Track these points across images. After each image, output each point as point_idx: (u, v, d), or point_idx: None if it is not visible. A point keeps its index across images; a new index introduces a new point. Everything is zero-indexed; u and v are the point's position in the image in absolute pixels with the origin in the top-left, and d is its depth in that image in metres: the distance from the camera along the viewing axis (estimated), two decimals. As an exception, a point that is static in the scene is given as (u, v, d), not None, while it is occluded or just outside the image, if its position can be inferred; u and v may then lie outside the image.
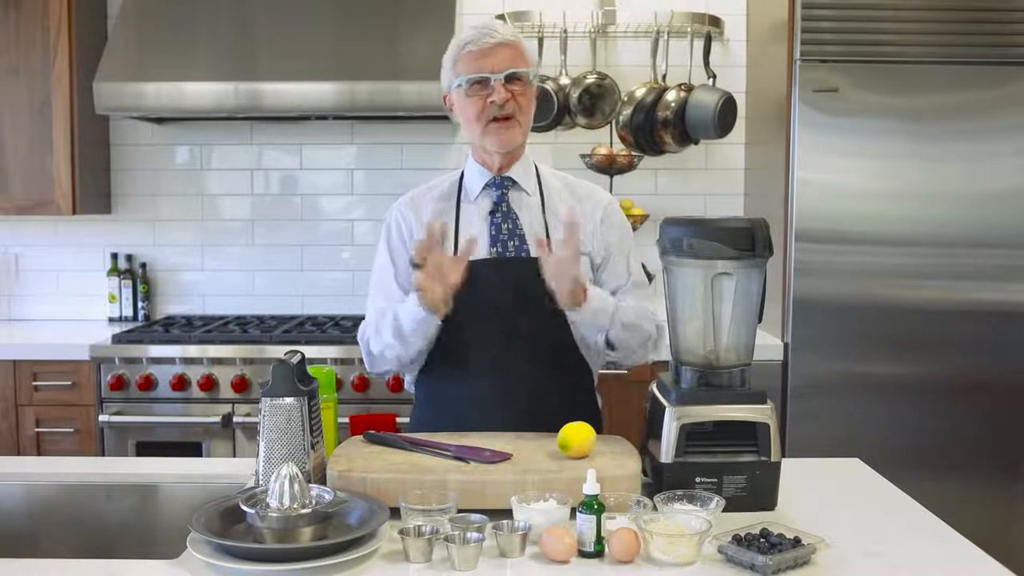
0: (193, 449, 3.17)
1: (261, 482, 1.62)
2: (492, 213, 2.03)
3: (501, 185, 2.05)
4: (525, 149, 2.09)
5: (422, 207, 2.07)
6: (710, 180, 3.81)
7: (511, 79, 1.95)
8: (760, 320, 1.80)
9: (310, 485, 1.54)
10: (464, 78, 1.97)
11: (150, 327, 3.48)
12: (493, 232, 2.01)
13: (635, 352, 2.04)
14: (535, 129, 3.50)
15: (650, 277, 3.33)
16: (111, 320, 3.77)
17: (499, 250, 2.00)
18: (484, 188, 2.05)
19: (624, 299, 2.05)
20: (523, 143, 2.06)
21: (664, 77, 3.60)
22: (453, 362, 2.00)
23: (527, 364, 1.96)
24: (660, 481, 1.70)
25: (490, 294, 1.96)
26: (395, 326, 1.95)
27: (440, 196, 2.08)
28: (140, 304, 3.79)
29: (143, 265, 3.83)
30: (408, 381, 2.15)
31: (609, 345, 2.02)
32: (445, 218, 2.04)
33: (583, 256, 2.02)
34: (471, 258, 1.97)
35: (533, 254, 1.99)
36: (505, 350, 1.96)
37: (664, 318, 1.90)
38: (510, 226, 2.02)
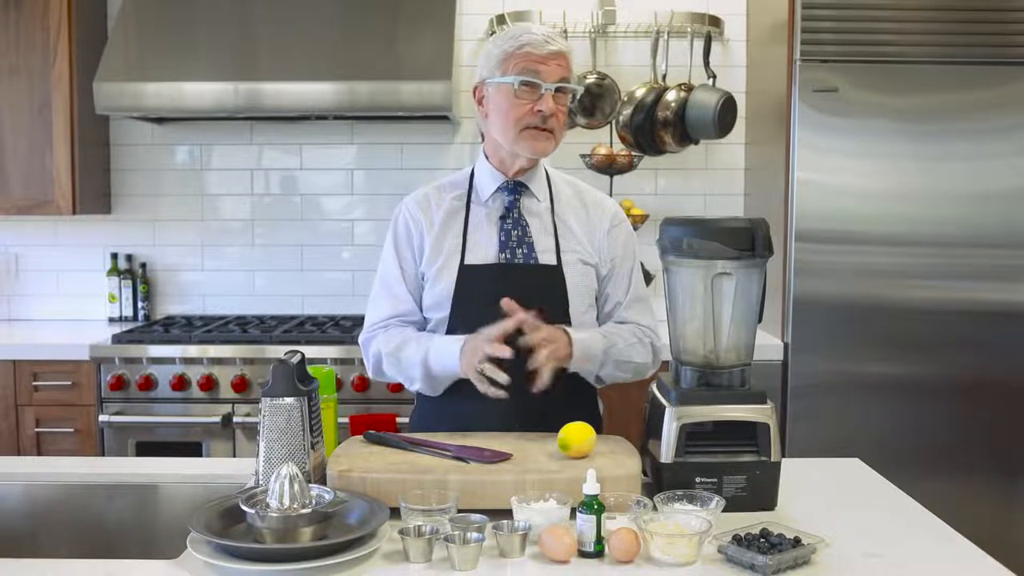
0: (193, 449, 3.17)
1: (261, 482, 1.62)
2: (503, 219, 2.02)
3: (514, 190, 2.04)
4: None
5: (432, 206, 2.06)
6: (710, 180, 3.81)
7: (559, 91, 1.95)
8: (760, 320, 1.80)
9: (310, 485, 1.54)
10: (518, 78, 1.93)
11: (150, 327, 3.48)
12: (503, 238, 2.00)
13: (626, 379, 2.06)
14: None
15: (650, 278, 3.34)
16: (111, 320, 3.77)
17: (507, 256, 1.99)
18: (496, 191, 2.04)
19: (623, 314, 2.07)
20: None
21: (664, 77, 3.60)
22: None
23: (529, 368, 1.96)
24: (660, 481, 1.70)
25: (496, 299, 1.95)
26: (425, 372, 1.96)
27: (451, 196, 2.07)
28: (140, 304, 3.79)
29: (143, 265, 3.83)
30: None
31: (599, 380, 2.04)
32: (455, 218, 2.03)
33: (588, 267, 2.02)
34: (478, 263, 1.97)
35: (541, 261, 1.99)
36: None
37: (664, 319, 1.90)
38: (520, 233, 2.01)
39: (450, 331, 1.98)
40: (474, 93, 2.03)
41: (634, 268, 2.10)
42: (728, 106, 3.44)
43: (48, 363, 3.23)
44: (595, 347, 1.96)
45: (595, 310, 2.06)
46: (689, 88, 3.54)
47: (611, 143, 3.61)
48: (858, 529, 1.60)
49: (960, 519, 1.69)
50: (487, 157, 2.06)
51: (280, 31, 3.42)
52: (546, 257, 2.00)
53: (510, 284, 1.96)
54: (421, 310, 2.05)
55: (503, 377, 1.81)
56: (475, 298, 1.96)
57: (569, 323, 1.97)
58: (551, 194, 2.07)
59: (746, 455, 1.70)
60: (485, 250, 2.00)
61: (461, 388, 1.96)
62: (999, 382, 3.21)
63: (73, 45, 3.47)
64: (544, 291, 1.97)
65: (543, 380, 1.83)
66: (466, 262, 1.99)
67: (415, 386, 2.02)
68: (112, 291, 3.78)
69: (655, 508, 1.57)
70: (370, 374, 2.08)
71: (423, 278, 2.04)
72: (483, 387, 1.84)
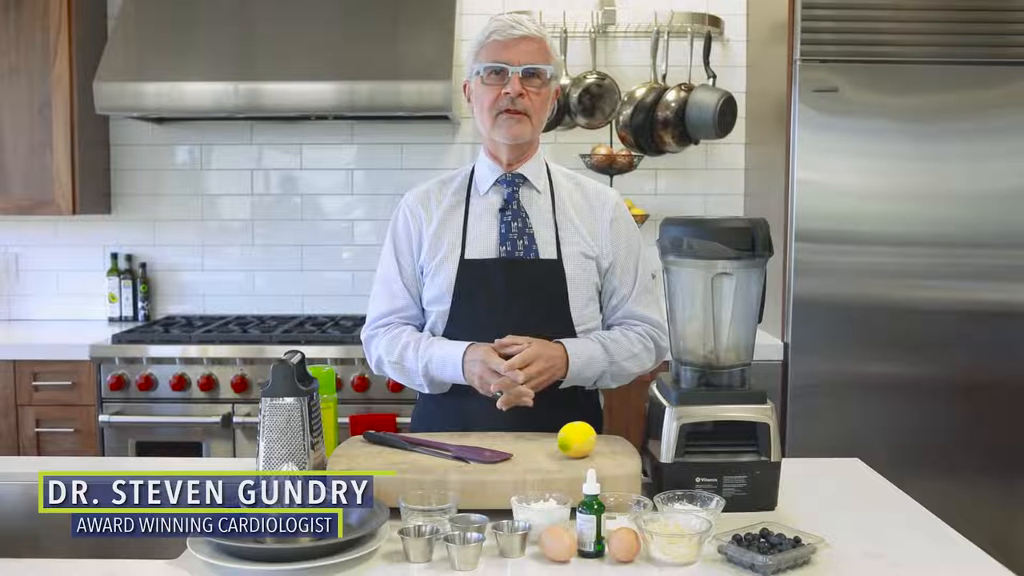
0: (193, 449, 3.17)
1: (261, 482, 1.62)
2: (503, 211, 2.02)
3: (512, 182, 2.04)
4: (537, 147, 2.08)
5: (432, 201, 2.06)
6: (710, 180, 3.81)
7: (529, 75, 1.95)
8: (760, 320, 1.80)
9: (310, 485, 1.53)
10: (483, 65, 1.96)
11: (150, 327, 3.48)
12: (503, 231, 2.00)
13: (622, 384, 2.08)
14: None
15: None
16: (111, 320, 3.77)
17: (508, 249, 1.99)
18: (495, 184, 2.05)
19: (631, 308, 2.06)
20: (534, 140, 2.05)
21: (664, 77, 3.60)
22: None
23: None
24: (660, 481, 1.70)
25: (497, 293, 1.96)
26: (429, 381, 1.98)
27: (451, 190, 2.07)
28: (140, 304, 3.79)
29: (143, 265, 3.83)
30: None
31: (594, 385, 2.05)
32: (455, 212, 2.04)
33: (589, 260, 2.02)
34: (480, 257, 1.98)
35: (542, 255, 1.99)
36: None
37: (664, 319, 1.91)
38: (520, 225, 2.01)
39: (450, 325, 1.98)
40: (464, 90, 2.07)
41: (639, 259, 2.09)
42: (728, 106, 3.44)
43: (48, 363, 3.24)
44: (593, 365, 1.97)
45: (596, 304, 2.05)
46: (689, 88, 3.55)
47: (611, 143, 3.61)
48: (858, 529, 1.60)
49: (960, 519, 1.69)
50: (486, 152, 2.08)
51: (280, 31, 3.41)
52: (547, 250, 2.00)
53: (509, 279, 1.96)
54: (420, 305, 2.06)
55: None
56: (475, 292, 1.96)
57: (569, 317, 1.98)
58: (551, 186, 2.07)
59: (746, 455, 1.70)
60: (485, 244, 2.00)
61: (463, 387, 1.96)
62: (999, 382, 3.21)
63: (73, 45, 3.47)
64: (543, 286, 1.97)
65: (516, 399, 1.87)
66: (466, 256, 1.99)
67: (408, 380, 2.05)
68: (112, 291, 3.78)
69: (655, 508, 1.57)
70: (373, 369, 2.10)
71: (422, 272, 2.04)
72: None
